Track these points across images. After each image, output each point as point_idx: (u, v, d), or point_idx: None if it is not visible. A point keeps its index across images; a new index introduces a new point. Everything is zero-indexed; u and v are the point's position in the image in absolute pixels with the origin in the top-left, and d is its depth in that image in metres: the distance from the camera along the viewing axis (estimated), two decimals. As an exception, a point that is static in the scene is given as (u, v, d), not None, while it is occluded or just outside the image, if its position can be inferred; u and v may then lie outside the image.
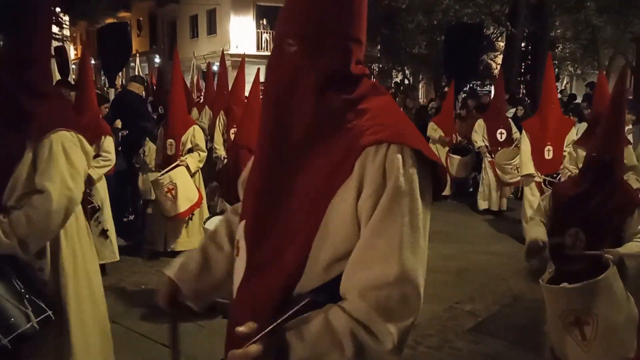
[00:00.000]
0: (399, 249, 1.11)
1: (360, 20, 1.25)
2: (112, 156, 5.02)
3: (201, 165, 5.58)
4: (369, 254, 1.12)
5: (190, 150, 5.50)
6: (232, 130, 6.31)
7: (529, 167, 5.98)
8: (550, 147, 5.91)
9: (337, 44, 1.19)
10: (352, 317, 1.09)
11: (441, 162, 1.25)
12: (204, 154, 5.62)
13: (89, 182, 4.66)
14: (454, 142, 8.87)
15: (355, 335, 1.09)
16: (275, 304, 1.17)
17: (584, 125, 6.80)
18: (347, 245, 1.15)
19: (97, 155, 4.79)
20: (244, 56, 6.54)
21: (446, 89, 14.22)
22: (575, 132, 6.24)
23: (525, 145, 6.03)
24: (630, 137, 8.04)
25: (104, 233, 4.86)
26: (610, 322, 2.65)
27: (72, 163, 2.41)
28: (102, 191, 5.01)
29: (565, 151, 5.74)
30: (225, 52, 8.96)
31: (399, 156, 1.14)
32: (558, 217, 3.14)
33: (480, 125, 8.10)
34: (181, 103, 5.64)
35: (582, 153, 4.61)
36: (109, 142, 4.98)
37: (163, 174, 5.29)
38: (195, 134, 5.51)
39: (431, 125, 9.05)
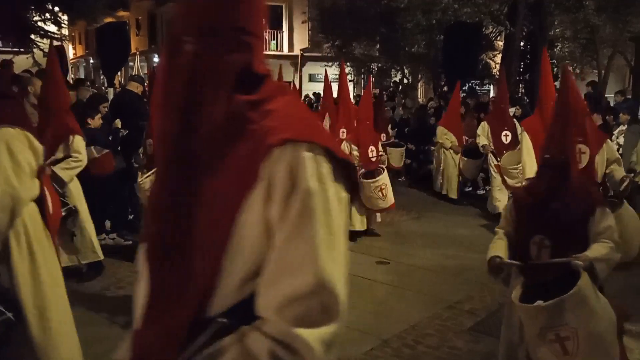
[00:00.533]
0: (314, 255, 1.03)
1: (260, 15, 1.19)
2: (83, 156, 4.79)
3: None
4: (282, 265, 1.04)
5: (58, 161, 5.15)
6: None
7: (533, 169, 5.85)
8: None
9: (238, 40, 1.11)
10: (271, 338, 1.02)
11: (352, 161, 1.19)
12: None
13: (61, 183, 4.52)
14: (465, 142, 8.72)
15: (276, 357, 1.01)
16: (184, 332, 1.08)
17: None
18: (260, 259, 1.07)
19: (68, 156, 4.67)
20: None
21: (445, 88, 14.24)
22: None
23: (527, 146, 5.81)
24: (621, 138, 8.10)
25: (71, 234, 4.63)
26: (591, 333, 2.57)
27: (17, 161, 2.34)
28: (75, 192, 4.83)
29: None
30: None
31: (308, 154, 1.06)
32: (521, 226, 3.04)
33: (484, 128, 7.96)
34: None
35: None
36: (78, 142, 4.75)
37: (144, 179, 5.14)
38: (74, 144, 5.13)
39: (441, 131, 8.87)
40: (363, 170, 6.60)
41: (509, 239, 3.10)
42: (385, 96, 14.76)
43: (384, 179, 6.49)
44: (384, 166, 6.79)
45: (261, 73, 1.16)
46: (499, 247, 3.03)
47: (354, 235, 6.50)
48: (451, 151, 8.71)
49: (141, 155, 6.09)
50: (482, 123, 8.08)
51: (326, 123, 8.54)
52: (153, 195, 1.23)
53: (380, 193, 6.42)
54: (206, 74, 1.09)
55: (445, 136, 8.74)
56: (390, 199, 6.55)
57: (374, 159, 6.66)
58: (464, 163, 8.58)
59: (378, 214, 6.93)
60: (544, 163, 3.11)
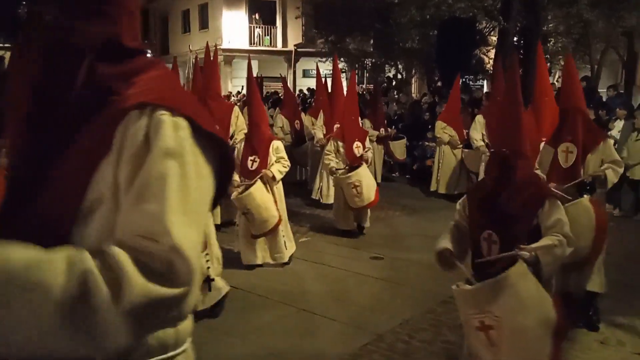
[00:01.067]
0: (164, 219, 0.95)
1: None
2: None
3: None
4: (130, 225, 0.96)
5: None
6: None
7: None
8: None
9: (97, 10, 1.05)
10: (99, 260, 0.90)
11: (223, 138, 1.11)
12: None
13: None
14: (465, 137, 8.60)
15: (87, 278, 0.87)
16: None
17: None
18: (108, 230, 0.99)
19: None
20: (216, 49, 6.61)
21: (439, 83, 14.26)
22: None
23: None
24: (617, 133, 8.12)
25: None
26: (515, 325, 2.48)
27: None
28: None
29: None
30: (217, 47, 8.91)
31: (168, 118, 1.01)
32: (473, 221, 2.96)
33: (479, 121, 7.85)
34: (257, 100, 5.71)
35: (548, 154, 4.32)
36: None
37: None
38: None
39: (439, 125, 8.76)
40: (347, 166, 6.44)
41: (460, 233, 3.02)
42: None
43: (359, 175, 6.20)
44: (366, 163, 6.49)
45: (132, 47, 1.10)
46: (444, 241, 2.93)
47: (346, 234, 6.49)
48: (449, 146, 8.64)
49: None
50: (478, 116, 8.00)
51: (320, 119, 8.52)
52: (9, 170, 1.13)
53: (354, 190, 6.19)
54: (62, 43, 1.03)
55: (443, 130, 8.62)
56: (368, 196, 6.24)
57: (358, 155, 6.41)
58: (466, 154, 8.55)
59: (368, 213, 6.70)
60: (490, 157, 3.03)
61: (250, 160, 5.20)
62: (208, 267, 3.94)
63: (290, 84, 23.84)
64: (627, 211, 7.35)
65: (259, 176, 5.11)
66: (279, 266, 5.37)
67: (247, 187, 5.07)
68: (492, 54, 16.86)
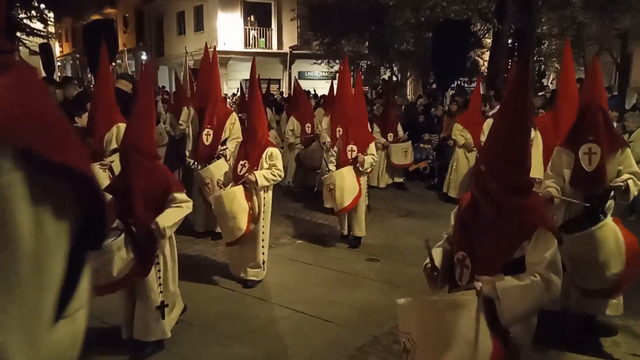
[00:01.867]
0: None
1: None
2: None
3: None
4: None
5: (115, 151, 5.06)
6: (206, 132, 6.05)
7: (538, 170, 4.82)
8: None
9: None
10: None
11: (88, 172, 0.85)
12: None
13: None
14: (481, 142, 8.52)
15: None
16: None
17: None
18: None
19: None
20: (215, 51, 6.26)
21: (434, 85, 14.29)
22: None
23: (537, 144, 4.89)
24: None
25: None
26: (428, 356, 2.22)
27: None
28: None
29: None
30: (215, 49, 8.80)
31: None
32: (454, 236, 2.66)
33: (488, 124, 7.52)
34: (104, 100, 5.33)
35: (567, 158, 3.94)
36: None
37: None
38: (119, 133, 5.06)
39: (456, 127, 8.42)
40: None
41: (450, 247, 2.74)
42: (375, 94, 14.76)
43: (333, 178, 5.87)
44: (360, 167, 5.99)
45: None
46: (438, 252, 2.71)
47: (344, 238, 6.41)
48: (464, 149, 8.33)
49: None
50: (487, 121, 7.78)
51: (325, 123, 8.33)
52: None
53: (329, 193, 5.92)
54: None
55: (460, 133, 8.32)
56: (341, 201, 5.84)
57: (350, 159, 6.01)
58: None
59: (362, 223, 6.29)
60: (474, 174, 2.58)
61: (241, 164, 4.97)
62: (161, 292, 3.63)
63: (285, 86, 23.90)
64: (621, 212, 7.38)
65: (241, 180, 4.84)
66: (275, 267, 5.35)
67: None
68: (486, 56, 16.95)
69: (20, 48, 16.38)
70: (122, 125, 4.84)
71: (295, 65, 24.77)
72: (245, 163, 4.94)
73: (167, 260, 3.68)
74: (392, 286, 5.01)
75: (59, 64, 30.70)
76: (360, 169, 6.03)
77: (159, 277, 3.62)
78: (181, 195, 3.60)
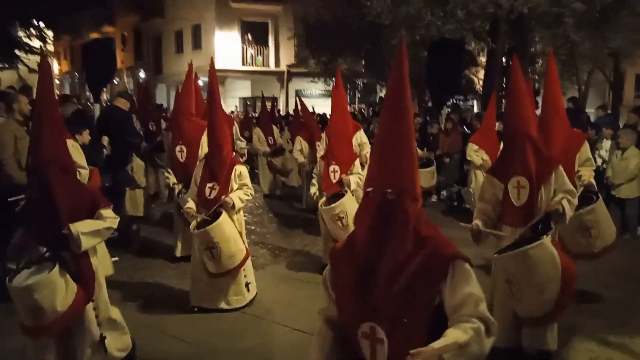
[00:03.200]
0: None
1: None
2: None
3: None
4: None
5: None
6: (178, 148, 5.88)
7: None
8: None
9: None
10: None
11: None
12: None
13: None
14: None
15: None
16: None
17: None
18: None
19: None
20: (212, 65, 6.09)
21: (430, 104, 14.41)
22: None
23: None
24: (603, 152, 8.26)
25: None
26: None
27: None
28: None
29: (578, 172, 4.75)
30: (212, 62, 8.83)
31: None
32: (343, 306, 2.06)
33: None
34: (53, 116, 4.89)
35: (497, 188, 3.72)
36: None
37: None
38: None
39: (470, 147, 7.85)
40: (324, 196, 5.59)
41: (332, 340, 2.09)
42: (371, 112, 14.83)
43: (343, 206, 5.24)
44: (347, 188, 5.53)
45: None
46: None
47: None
48: (482, 170, 7.43)
49: (129, 171, 6.08)
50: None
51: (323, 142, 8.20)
52: None
53: (339, 223, 5.24)
54: None
55: (475, 153, 7.74)
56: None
57: (334, 181, 5.58)
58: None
59: None
60: (363, 201, 1.98)
61: (209, 187, 4.60)
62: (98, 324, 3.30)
63: (282, 105, 24.05)
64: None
65: (217, 205, 4.52)
66: (271, 284, 5.34)
67: (209, 218, 4.49)
68: (481, 74, 17.14)
69: (20, 66, 16.47)
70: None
71: (292, 83, 24.96)
72: (214, 185, 4.60)
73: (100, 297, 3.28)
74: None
75: (57, 82, 30.86)
76: (349, 190, 5.50)
77: (94, 308, 3.28)
78: (108, 212, 3.28)
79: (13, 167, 5.37)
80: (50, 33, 19.44)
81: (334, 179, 5.58)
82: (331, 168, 5.60)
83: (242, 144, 8.50)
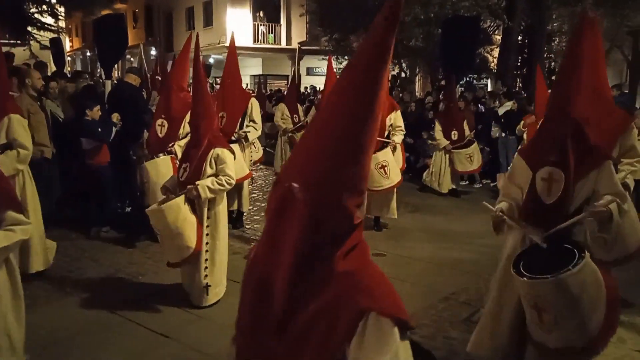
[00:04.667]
0: None
1: None
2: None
3: (20, 166, 4.41)
4: None
5: (5, 147, 4.29)
6: (159, 122, 5.61)
7: None
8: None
9: None
10: None
11: None
12: (24, 152, 4.40)
13: None
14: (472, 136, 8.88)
15: None
16: None
17: None
18: None
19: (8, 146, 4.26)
20: (234, 43, 6.45)
21: (443, 82, 14.24)
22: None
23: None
24: None
25: None
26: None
27: None
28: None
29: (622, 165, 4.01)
30: (221, 45, 8.85)
31: None
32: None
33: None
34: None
35: (525, 173, 3.04)
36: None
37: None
38: (11, 126, 4.28)
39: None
40: None
41: None
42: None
43: (385, 155, 6.22)
44: (388, 141, 6.41)
45: None
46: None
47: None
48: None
49: (143, 147, 6.11)
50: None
51: None
52: None
53: (382, 170, 6.15)
54: None
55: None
56: (394, 177, 6.29)
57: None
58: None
59: (392, 207, 6.58)
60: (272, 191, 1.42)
61: (183, 168, 4.20)
62: None
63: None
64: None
65: (183, 192, 4.09)
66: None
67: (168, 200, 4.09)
68: (496, 52, 16.86)
69: (32, 42, 16.50)
70: (15, 117, 4.31)
71: (303, 61, 24.77)
72: (187, 167, 4.17)
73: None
74: (399, 281, 5.03)
75: (69, 58, 30.86)
76: None
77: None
78: (16, 216, 2.75)
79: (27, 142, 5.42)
80: (62, 9, 19.36)
81: None
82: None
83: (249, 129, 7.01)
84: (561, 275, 2.55)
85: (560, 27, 17.02)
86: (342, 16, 17.12)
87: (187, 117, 4.95)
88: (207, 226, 4.20)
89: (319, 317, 1.33)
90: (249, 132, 6.50)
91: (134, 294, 4.54)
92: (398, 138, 6.59)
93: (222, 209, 4.33)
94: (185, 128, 5.48)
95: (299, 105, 10.33)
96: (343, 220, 1.32)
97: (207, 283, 4.22)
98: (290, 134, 9.41)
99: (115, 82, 8.40)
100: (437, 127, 8.73)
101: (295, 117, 9.81)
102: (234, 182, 4.23)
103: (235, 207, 6.46)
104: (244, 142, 6.47)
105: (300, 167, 1.36)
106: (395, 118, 6.66)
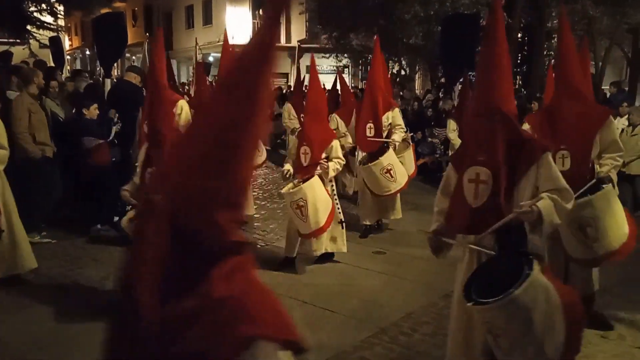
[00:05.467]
0: None
1: None
2: None
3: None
4: None
5: None
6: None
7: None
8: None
9: None
10: None
11: None
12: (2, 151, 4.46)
13: None
14: None
15: None
16: None
17: None
18: None
19: None
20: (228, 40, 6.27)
21: (442, 80, 14.25)
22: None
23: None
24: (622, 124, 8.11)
25: None
26: None
27: None
28: None
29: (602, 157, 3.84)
30: (221, 43, 8.81)
31: None
32: None
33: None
34: None
35: (452, 178, 2.87)
36: None
37: None
38: None
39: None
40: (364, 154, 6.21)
41: None
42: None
43: (303, 192, 4.89)
44: (324, 175, 5.18)
45: None
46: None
47: (365, 232, 6.37)
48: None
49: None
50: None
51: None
52: None
53: (299, 212, 4.88)
54: None
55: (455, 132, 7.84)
56: (316, 221, 4.91)
57: (305, 164, 5.10)
58: None
59: (397, 209, 6.49)
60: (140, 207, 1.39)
61: (148, 172, 3.95)
62: None
63: (293, 80, 23.88)
64: (627, 207, 7.29)
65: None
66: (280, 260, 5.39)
67: None
68: (496, 50, 16.84)
69: (31, 41, 16.49)
70: None
71: (303, 59, 24.74)
72: (152, 171, 3.87)
73: None
74: (398, 279, 5.04)
75: (68, 57, 30.83)
76: (325, 178, 5.14)
77: None
78: None
79: (28, 141, 5.43)
80: (61, 8, 19.34)
81: (305, 161, 5.06)
82: (302, 149, 5.08)
83: None
84: (504, 299, 2.28)
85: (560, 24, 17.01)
86: (342, 14, 17.11)
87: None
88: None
89: (195, 346, 1.18)
90: None
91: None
92: (398, 136, 6.27)
93: None
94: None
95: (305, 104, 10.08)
96: (215, 236, 1.17)
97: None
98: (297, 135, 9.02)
99: (115, 80, 8.39)
100: (452, 125, 7.92)
101: (302, 117, 9.48)
102: None
103: None
104: None
105: (167, 176, 1.22)
106: (394, 117, 6.35)
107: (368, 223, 6.42)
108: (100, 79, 10.22)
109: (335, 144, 5.25)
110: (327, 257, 5.39)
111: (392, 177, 5.94)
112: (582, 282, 3.74)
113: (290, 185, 5.13)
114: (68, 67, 21.64)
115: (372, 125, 6.02)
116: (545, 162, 2.61)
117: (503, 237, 2.62)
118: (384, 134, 6.23)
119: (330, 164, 5.13)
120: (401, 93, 14.17)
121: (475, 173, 2.63)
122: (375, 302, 4.48)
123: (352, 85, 17.82)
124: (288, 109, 9.75)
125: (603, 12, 14.01)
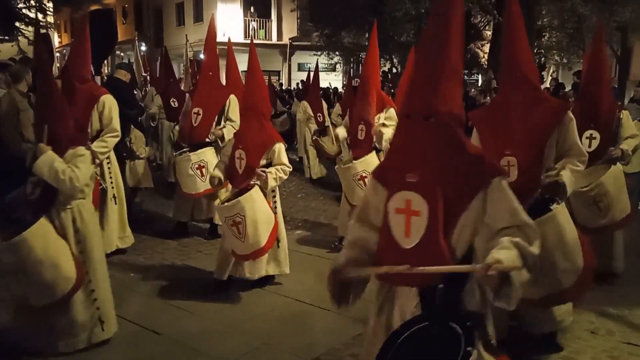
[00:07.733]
0: None
1: None
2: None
3: None
4: None
5: None
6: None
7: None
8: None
9: None
10: None
11: None
12: None
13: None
14: None
15: None
16: None
17: None
18: None
19: None
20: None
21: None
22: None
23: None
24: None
25: None
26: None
27: None
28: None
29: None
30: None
31: None
32: None
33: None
34: None
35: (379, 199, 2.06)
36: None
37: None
38: None
39: None
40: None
41: None
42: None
43: (241, 207, 4.02)
44: (264, 186, 4.24)
45: None
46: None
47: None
48: None
49: (128, 143, 6.09)
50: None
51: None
52: None
53: (234, 229, 4.07)
54: None
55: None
56: (256, 240, 4.19)
57: (240, 170, 4.27)
58: None
59: None
60: None
61: None
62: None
63: (285, 78, 23.85)
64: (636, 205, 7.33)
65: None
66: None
67: None
68: (486, 48, 16.93)
69: (20, 38, 16.32)
70: None
71: (294, 56, 24.71)
72: None
73: None
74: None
75: (57, 54, 30.54)
76: (265, 188, 4.23)
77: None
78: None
79: (15, 139, 5.37)
80: (50, 5, 19.17)
81: (240, 167, 4.25)
82: (237, 153, 4.27)
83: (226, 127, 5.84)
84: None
85: (550, 22, 17.10)
86: (333, 12, 17.11)
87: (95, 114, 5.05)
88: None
89: None
90: (225, 127, 5.65)
91: (126, 292, 4.52)
92: (387, 130, 5.43)
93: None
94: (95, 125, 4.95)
95: (323, 102, 9.70)
96: None
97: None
98: (315, 138, 8.55)
99: (105, 78, 8.34)
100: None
101: (320, 117, 9.20)
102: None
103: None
104: (220, 143, 5.58)
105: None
106: (387, 117, 5.71)
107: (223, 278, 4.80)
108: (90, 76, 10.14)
109: (279, 147, 4.31)
110: (267, 280, 4.58)
111: (365, 185, 4.87)
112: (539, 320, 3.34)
113: (225, 195, 4.42)
114: (57, 65, 21.46)
115: (363, 127, 5.46)
116: (497, 190, 1.88)
117: (426, 295, 1.93)
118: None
119: (270, 172, 4.19)
120: (392, 91, 14.19)
121: (405, 200, 1.91)
122: (366, 300, 4.47)
123: (343, 83, 17.80)
124: (304, 106, 9.73)
125: (592, 10, 14.11)
